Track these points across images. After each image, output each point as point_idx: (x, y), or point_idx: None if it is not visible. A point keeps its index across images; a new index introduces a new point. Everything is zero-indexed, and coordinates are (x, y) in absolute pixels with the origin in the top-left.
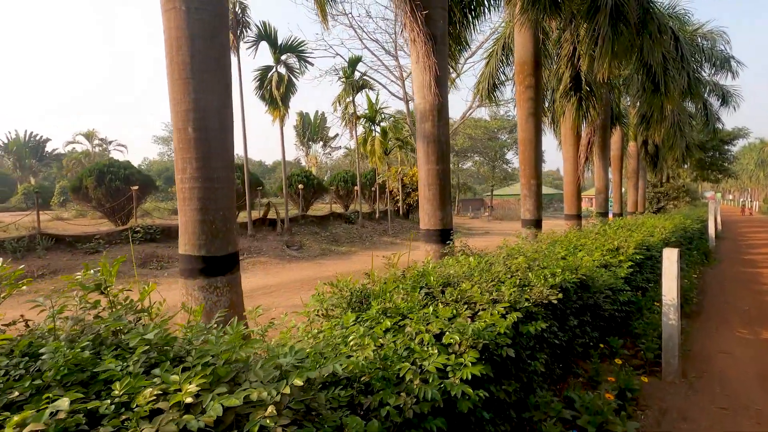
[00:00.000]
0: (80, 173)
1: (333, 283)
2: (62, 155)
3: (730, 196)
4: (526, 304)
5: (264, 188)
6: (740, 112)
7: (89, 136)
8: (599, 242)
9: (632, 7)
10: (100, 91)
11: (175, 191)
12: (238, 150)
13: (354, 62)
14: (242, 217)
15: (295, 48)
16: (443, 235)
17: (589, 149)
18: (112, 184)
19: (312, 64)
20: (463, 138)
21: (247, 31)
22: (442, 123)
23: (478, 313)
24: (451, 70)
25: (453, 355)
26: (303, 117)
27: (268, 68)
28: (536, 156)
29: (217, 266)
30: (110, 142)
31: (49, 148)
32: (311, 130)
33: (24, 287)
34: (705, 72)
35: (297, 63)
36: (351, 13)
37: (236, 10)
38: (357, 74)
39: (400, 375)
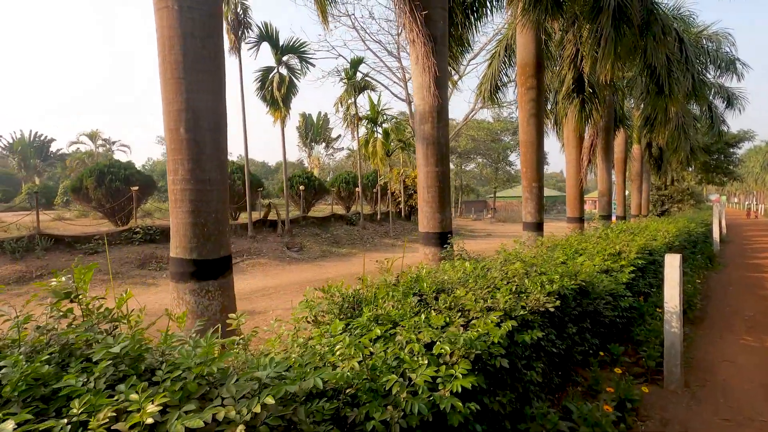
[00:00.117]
0: (80, 173)
1: (324, 288)
2: (66, 155)
3: (736, 199)
4: (522, 312)
5: (265, 189)
6: (745, 114)
7: (93, 136)
8: (600, 246)
9: (635, 8)
10: (100, 91)
11: None
12: (238, 150)
13: (356, 63)
14: (243, 218)
15: (296, 49)
16: (442, 238)
17: (592, 152)
18: (113, 185)
19: (313, 65)
20: (465, 139)
21: (248, 32)
22: (441, 124)
23: (472, 322)
24: (453, 71)
25: (443, 366)
26: (306, 118)
27: (269, 69)
28: (538, 158)
29: (209, 270)
30: (113, 143)
31: (53, 148)
32: (314, 131)
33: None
34: (710, 74)
35: (298, 64)
36: (354, 15)
37: (238, 11)
38: (359, 75)
39: (386, 388)
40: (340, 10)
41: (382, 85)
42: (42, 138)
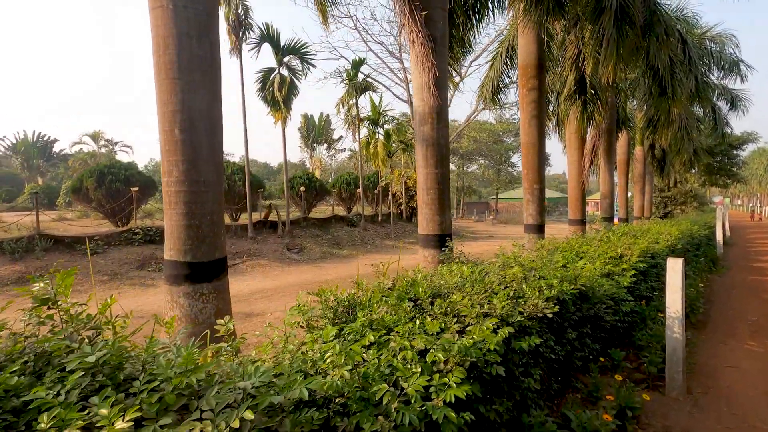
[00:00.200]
0: (81, 174)
1: (317, 292)
2: (69, 156)
3: (739, 202)
4: (519, 318)
5: (266, 190)
6: (749, 116)
7: (95, 137)
8: (602, 249)
9: (638, 9)
10: (100, 91)
11: None
12: (240, 151)
13: (357, 64)
14: (243, 219)
15: (297, 50)
16: (441, 241)
17: (594, 153)
18: (113, 185)
19: (314, 66)
20: (468, 141)
21: (249, 33)
22: (441, 126)
23: (468, 328)
24: (454, 72)
25: (437, 375)
26: (308, 119)
27: (270, 70)
28: (539, 160)
29: (204, 272)
30: (116, 143)
31: (56, 148)
32: (315, 132)
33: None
34: (713, 75)
35: (299, 65)
36: (356, 16)
37: (239, 11)
38: (360, 76)
39: (377, 398)
40: (342, 11)
41: (384, 86)
42: (45, 138)
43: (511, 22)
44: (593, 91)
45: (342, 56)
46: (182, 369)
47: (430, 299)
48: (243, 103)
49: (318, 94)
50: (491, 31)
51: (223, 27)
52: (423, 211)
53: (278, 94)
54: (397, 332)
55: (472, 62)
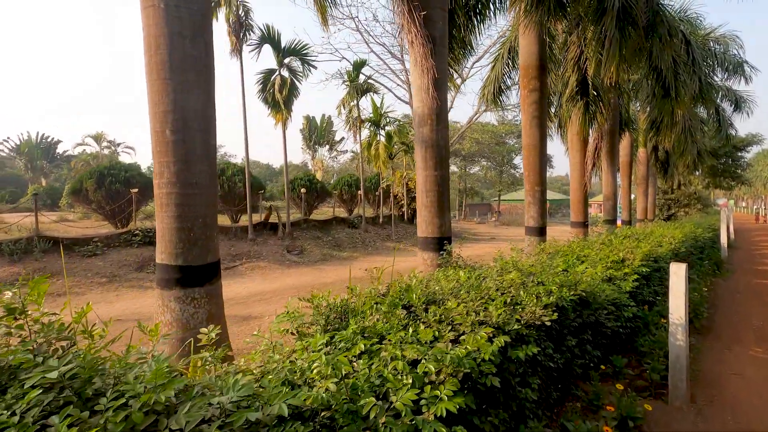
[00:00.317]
0: (80, 175)
1: (309, 298)
2: (72, 157)
3: (743, 204)
4: (516, 326)
5: (268, 191)
6: (753, 117)
7: (97, 138)
8: (603, 253)
9: (641, 10)
10: (100, 91)
11: None
12: (241, 153)
13: (359, 65)
14: (243, 220)
15: (298, 51)
16: (441, 243)
17: (596, 155)
18: (112, 187)
19: (315, 68)
20: (470, 142)
21: (250, 34)
22: (440, 127)
23: (462, 336)
24: (455, 74)
25: (428, 386)
26: (310, 121)
27: (271, 71)
28: (541, 162)
29: (195, 276)
30: (118, 144)
31: (60, 149)
32: (317, 133)
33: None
34: (717, 77)
35: (300, 66)
36: (357, 17)
37: (239, 12)
38: (362, 78)
39: (364, 411)
40: (343, 13)
41: (386, 87)
42: (48, 139)
43: (513, 23)
44: (595, 93)
45: (344, 58)
46: (152, 384)
47: (424, 306)
48: (243, 104)
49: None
50: (493, 32)
51: (223, 28)
52: (422, 213)
53: (279, 95)
54: (389, 341)
55: (474, 64)
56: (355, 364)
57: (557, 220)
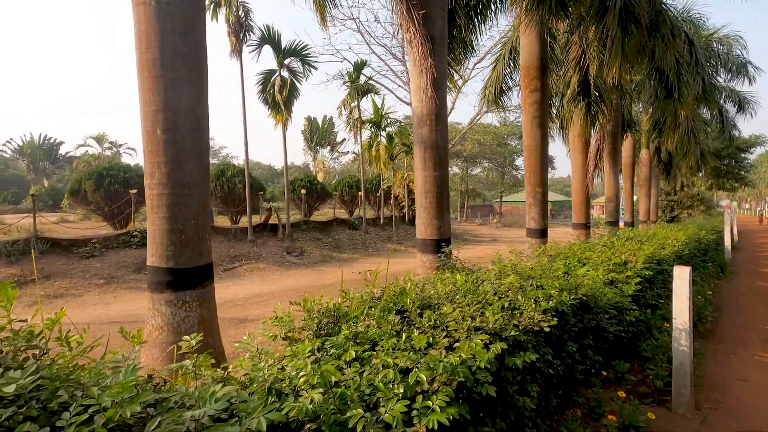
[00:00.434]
0: (79, 176)
1: (301, 302)
2: (75, 158)
3: (747, 205)
4: (514, 332)
5: (268, 192)
6: (757, 118)
7: (99, 139)
8: (605, 255)
9: (643, 8)
10: (100, 91)
11: None
12: (239, 153)
13: (359, 66)
14: (243, 222)
15: (298, 52)
16: (440, 245)
17: (598, 156)
18: (111, 188)
19: (315, 68)
20: (471, 144)
21: (250, 35)
22: (440, 128)
23: (457, 343)
24: (456, 75)
25: (420, 396)
26: (311, 122)
27: (271, 72)
28: (542, 163)
29: (187, 279)
30: (120, 145)
31: (62, 150)
32: (319, 134)
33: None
34: (721, 77)
35: (300, 67)
36: (358, 18)
37: (239, 13)
38: (363, 78)
39: (351, 424)
40: (344, 14)
41: (387, 88)
42: (51, 140)
43: (514, 23)
44: (597, 93)
45: (345, 59)
46: (119, 398)
47: (418, 311)
48: (243, 104)
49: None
50: (495, 33)
51: (223, 29)
52: (421, 215)
53: (279, 96)
54: (382, 347)
55: (475, 65)
56: (346, 371)
57: (559, 221)
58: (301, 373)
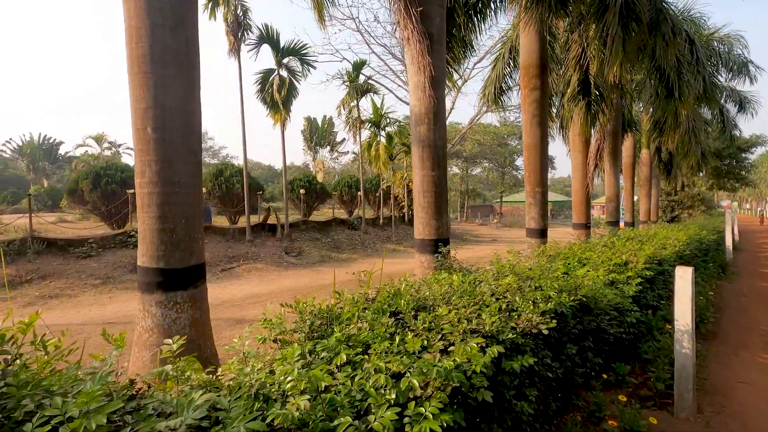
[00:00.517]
0: (76, 176)
1: (292, 304)
2: (74, 158)
3: (747, 206)
4: (511, 335)
5: (268, 192)
6: (758, 118)
7: (98, 139)
8: (606, 256)
9: (644, 6)
10: (100, 91)
11: None
12: (240, 153)
13: (358, 66)
14: (242, 222)
15: (297, 51)
16: (438, 246)
17: (598, 156)
18: (108, 187)
19: (314, 68)
20: (472, 144)
21: (248, 34)
22: (438, 126)
23: (452, 347)
24: (456, 74)
25: (412, 403)
26: (311, 122)
27: (269, 71)
28: (542, 162)
29: (178, 280)
30: (119, 145)
31: (62, 150)
32: (318, 134)
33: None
34: (722, 77)
35: (299, 66)
36: (358, 18)
37: (238, 12)
38: (362, 78)
39: None
40: (344, 13)
41: (387, 88)
42: (50, 140)
43: (514, 22)
44: (597, 92)
45: (344, 58)
46: (85, 407)
47: (413, 312)
48: (241, 104)
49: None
50: (495, 33)
51: (221, 28)
52: (419, 215)
53: (277, 95)
54: (375, 350)
55: (475, 64)
56: (337, 375)
57: (559, 221)
58: (288, 378)
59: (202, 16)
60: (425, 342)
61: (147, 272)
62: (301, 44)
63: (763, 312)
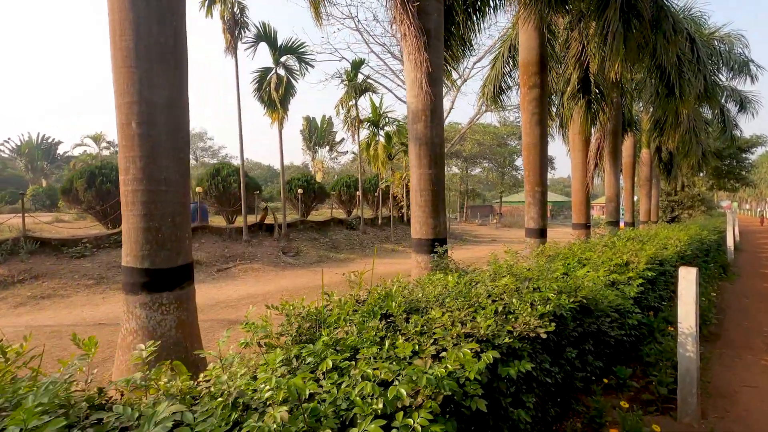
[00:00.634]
0: (71, 175)
1: (278, 306)
2: (73, 157)
3: (747, 206)
4: (507, 339)
5: (266, 192)
6: (759, 118)
7: (96, 138)
8: (606, 256)
9: (645, 2)
10: (100, 91)
11: None
12: (237, 152)
13: (357, 65)
14: (239, 221)
15: (295, 49)
16: (435, 245)
17: (598, 155)
18: (103, 187)
19: (312, 66)
20: (471, 144)
21: (245, 32)
22: (435, 124)
23: (442, 353)
24: (455, 73)
25: (401, 413)
26: (310, 122)
27: (267, 70)
28: (541, 161)
29: (163, 280)
30: (117, 145)
31: (60, 150)
32: (317, 134)
33: None
34: (722, 76)
35: (297, 64)
36: (357, 17)
37: (234, 10)
38: (360, 77)
39: None
40: (343, 12)
41: (386, 88)
42: (49, 140)
43: (513, 19)
44: (597, 91)
45: (343, 58)
46: (22, 425)
47: (405, 315)
48: (238, 102)
49: (320, 96)
50: (494, 32)
51: (218, 25)
52: (416, 214)
53: (275, 94)
54: (364, 355)
55: (475, 64)
56: (323, 383)
57: (559, 222)
58: (266, 387)
59: (199, 14)
60: (416, 347)
61: (131, 272)
62: (298, 43)
63: (765, 313)
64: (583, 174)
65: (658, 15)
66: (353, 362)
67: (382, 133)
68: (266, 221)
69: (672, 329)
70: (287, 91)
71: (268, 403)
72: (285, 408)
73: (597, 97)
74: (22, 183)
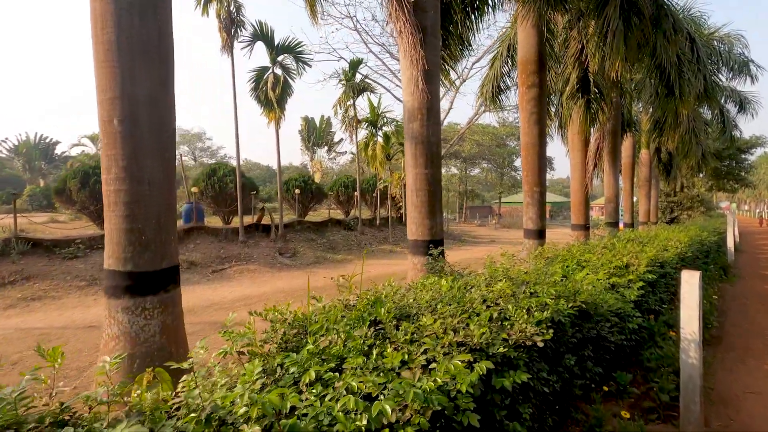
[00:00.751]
0: (64, 175)
1: (263, 312)
2: (70, 157)
3: (746, 207)
4: (502, 348)
5: (260, 192)
6: (758, 118)
7: (94, 138)
8: (606, 258)
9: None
10: None
11: None
12: (231, 152)
13: (355, 65)
14: (235, 222)
15: (292, 49)
16: (432, 247)
17: (598, 155)
18: (97, 187)
19: (310, 66)
20: (470, 144)
21: (241, 31)
22: (431, 123)
23: (432, 365)
24: (454, 72)
25: (387, 430)
26: (308, 122)
27: (264, 69)
28: (540, 162)
29: (147, 283)
30: None
31: (58, 150)
32: (316, 134)
33: None
34: (722, 76)
35: (294, 64)
36: (355, 17)
37: (231, 8)
38: (359, 77)
39: None
40: (341, 12)
41: (384, 88)
42: (47, 140)
43: (512, 19)
44: (597, 90)
45: (342, 57)
46: None
47: (395, 322)
48: (234, 102)
49: (318, 96)
50: (493, 32)
51: (214, 24)
52: (412, 214)
53: (272, 93)
54: (350, 366)
55: (473, 64)
56: (305, 395)
57: (558, 222)
58: (239, 403)
59: (195, 12)
60: (406, 356)
61: (114, 275)
62: (296, 42)
63: (765, 315)
64: (582, 174)
65: (658, 13)
66: (338, 373)
67: (380, 133)
68: (263, 222)
69: (673, 333)
70: (284, 90)
71: (242, 420)
72: (258, 427)
73: (596, 97)
74: (20, 183)
